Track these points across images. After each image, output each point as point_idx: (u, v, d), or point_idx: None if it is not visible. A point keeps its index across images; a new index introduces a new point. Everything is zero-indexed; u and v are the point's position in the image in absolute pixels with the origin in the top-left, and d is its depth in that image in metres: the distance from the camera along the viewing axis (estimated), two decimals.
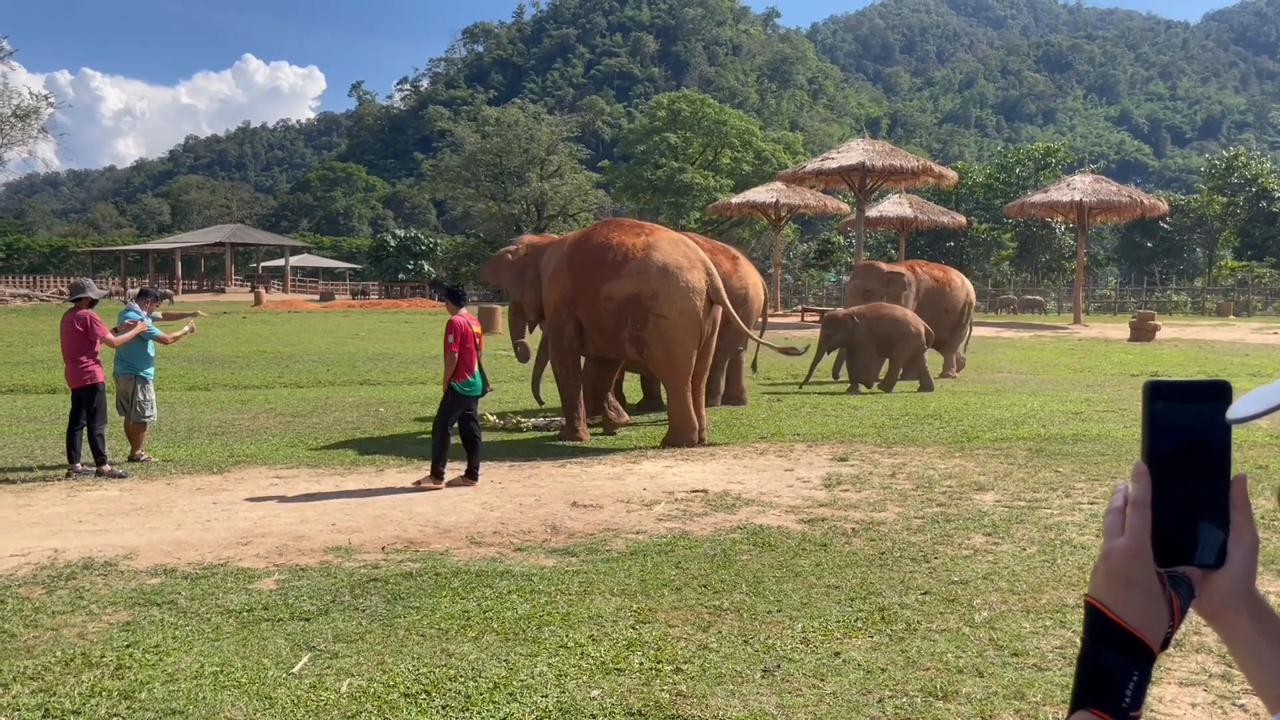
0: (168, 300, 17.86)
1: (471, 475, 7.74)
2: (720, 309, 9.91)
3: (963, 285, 16.75)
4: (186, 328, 9.29)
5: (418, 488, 7.61)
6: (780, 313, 39.10)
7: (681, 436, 9.62)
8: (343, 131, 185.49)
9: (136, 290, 9.45)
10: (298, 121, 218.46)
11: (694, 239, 13.23)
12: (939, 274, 16.63)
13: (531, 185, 62.29)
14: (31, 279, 56.51)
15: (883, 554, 5.71)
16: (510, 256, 11.26)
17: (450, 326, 7.67)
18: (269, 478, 8.12)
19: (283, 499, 7.29)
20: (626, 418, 10.99)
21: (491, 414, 11.28)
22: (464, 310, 8.02)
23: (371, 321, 33.53)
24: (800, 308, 38.67)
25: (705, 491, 7.51)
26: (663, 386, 10.46)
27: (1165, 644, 0.81)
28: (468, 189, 64.89)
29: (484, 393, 8.10)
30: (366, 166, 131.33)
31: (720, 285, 9.78)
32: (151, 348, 9.00)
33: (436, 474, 7.65)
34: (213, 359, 18.90)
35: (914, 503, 7.07)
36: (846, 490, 7.52)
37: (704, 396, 10.15)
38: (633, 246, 9.75)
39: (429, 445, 10.11)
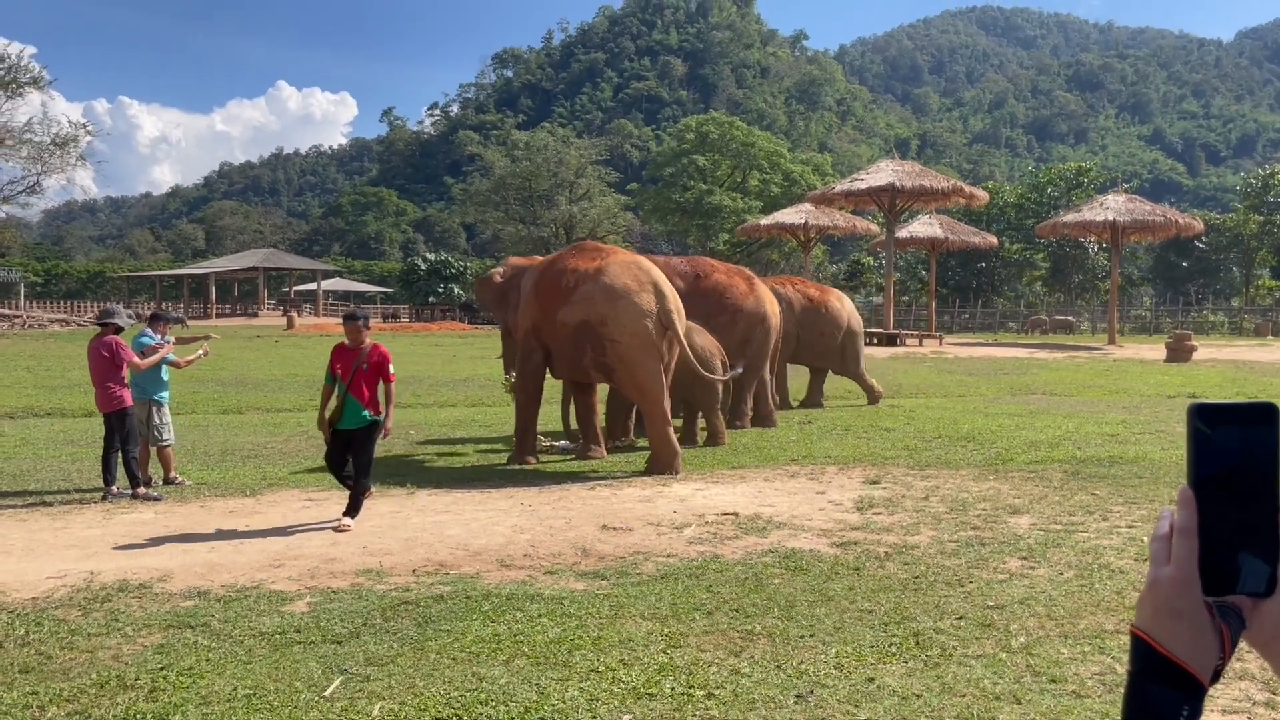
0: (180, 324, 18.08)
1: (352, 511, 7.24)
2: (673, 336, 9.66)
3: (843, 306, 15.78)
4: (200, 351, 9.36)
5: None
6: None
7: (661, 464, 9.43)
8: (374, 157, 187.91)
9: (149, 314, 9.58)
10: (330, 147, 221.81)
11: (701, 262, 13.34)
12: (815, 293, 15.62)
13: (560, 208, 62.65)
14: (70, 304, 57.47)
15: (917, 578, 5.65)
16: (497, 278, 11.38)
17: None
18: (301, 500, 8.19)
19: (314, 523, 7.33)
20: (602, 452, 10.72)
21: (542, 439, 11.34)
22: None
23: (402, 344, 33.75)
24: None
25: (736, 514, 7.48)
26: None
27: (1215, 677, 0.78)
28: (497, 212, 65.37)
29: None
30: (398, 191, 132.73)
31: (672, 308, 9.60)
32: (166, 372, 9.08)
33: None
34: (246, 382, 19.11)
35: (948, 526, 7.00)
36: (879, 513, 7.47)
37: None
38: (584, 271, 9.75)
39: (460, 469, 10.22)
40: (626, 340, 9.47)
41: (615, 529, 7.06)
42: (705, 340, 11.27)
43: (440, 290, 62.25)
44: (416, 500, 8.22)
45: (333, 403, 7.31)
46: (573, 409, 11.35)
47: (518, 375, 10.50)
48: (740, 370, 11.62)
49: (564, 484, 9.02)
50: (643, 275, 9.70)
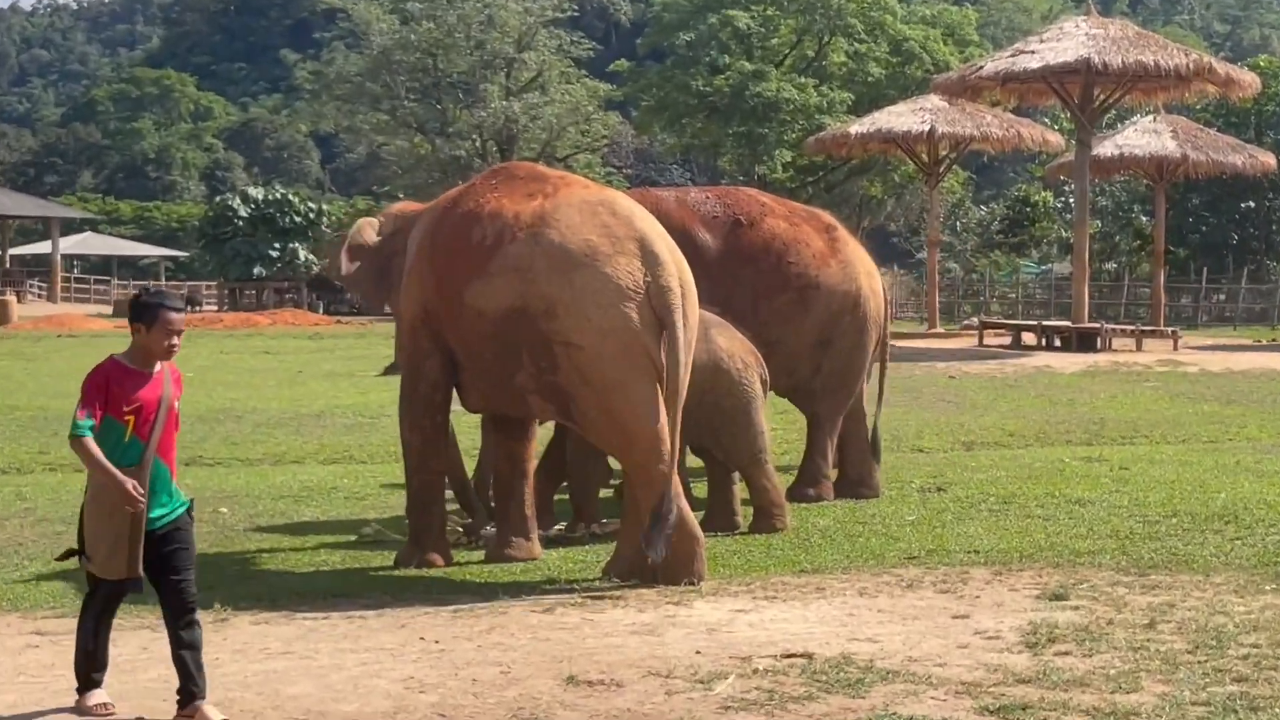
0: None
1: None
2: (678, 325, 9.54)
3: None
4: None
5: None
6: (938, 329, 39.09)
7: (668, 563, 9.36)
8: (155, 15, 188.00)
9: None
10: (77, 1, 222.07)
11: (742, 200, 13.26)
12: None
13: (491, 105, 62.84)
14: None
15: None
16: (370, 237, 11.36)
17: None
18: (23, 636, 8.17)
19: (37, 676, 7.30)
20: (530, 549, 10.55)
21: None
22: None
23: (206, 351, 33.82)
24: (978, 321, 38.65)
25: (809, 656, 7.45)
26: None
27: None
28: (377, 113, 65.78)
29: None
30: (196, 75, 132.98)
31: (673, 284, 9.52)
32: None
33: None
34: None
35: (1192, 678, 6.98)
36: (1067, 653, 7.45)
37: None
38: (513, 218, 9.71)
39: (312, 575, 10.23)
40: (592, 344, 9.43)
41: (591, 683, 7.03)
42: (733, 342, 11.29)
43: (275, 254, 62.42)
44: (233, 631, 8.20)
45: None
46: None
47: (403, 406, 10.57)
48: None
49: (496, 599, 9.01)
50: (619, 225, 9.67)
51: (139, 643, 7.88)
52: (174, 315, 6.57)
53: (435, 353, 10.26)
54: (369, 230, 11.47)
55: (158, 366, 6.64)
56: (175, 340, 6.58)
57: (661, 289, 9.47)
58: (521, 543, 10.50)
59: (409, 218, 11.25)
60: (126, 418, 6.47)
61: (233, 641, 7.97)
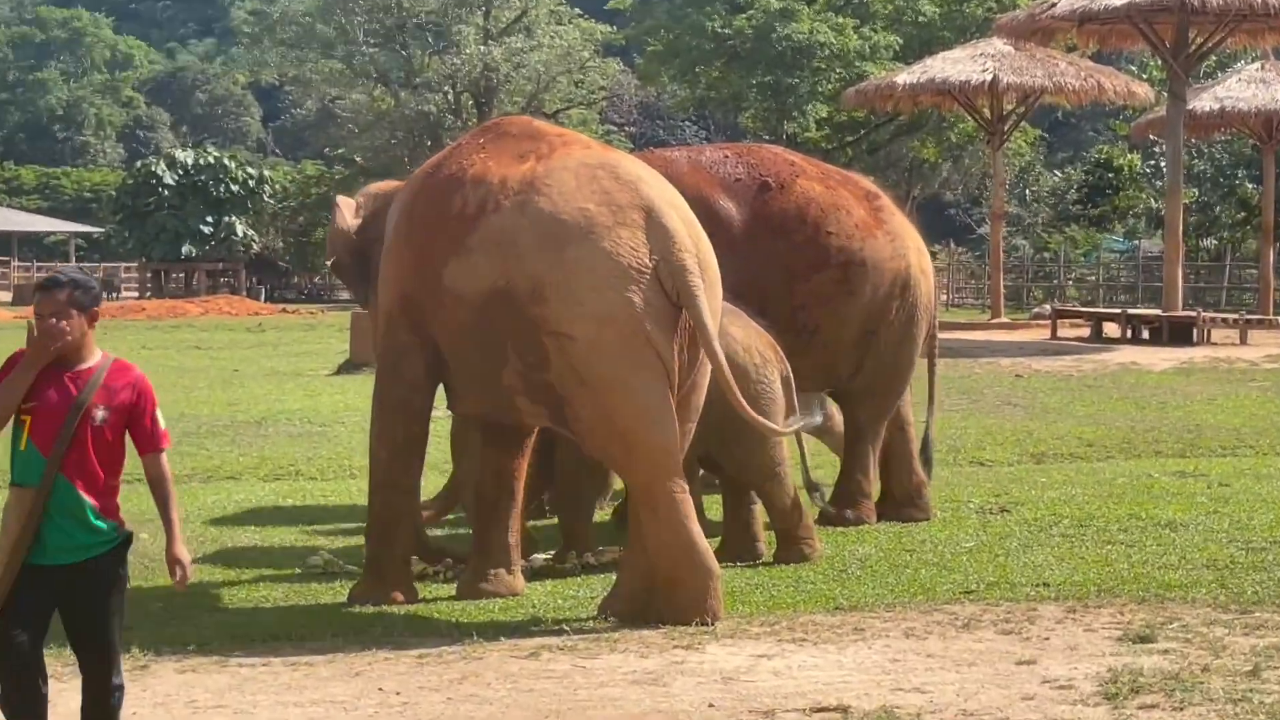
0: None
1: None
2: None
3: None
4: None
5: None
6: (1003, 319, 39.04)
7: (678, 599, 9.45)
8: None
9: None
10: None
11: (769, 159, 13.28)
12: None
13: (466, 51, 62.87)
14: None
15: None
16: (347, 219, 11.45)
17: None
18: None
19: None
20: (512, 583, 10.67)
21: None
22: None
23: (125, 346, 33.82)
24: (1050, 309, 38.60)
25: (844, 710, 7.49)
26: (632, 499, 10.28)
27: None
28: (330, 62, 65.79)
29: None
30: (112, 15, 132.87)
31: (688, 261, 9.52)
32: None
33: None
34: None
35: None
36: (1154, 707, 7.47)
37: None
38: (500, 183, 9.76)
39: (251, 613, 10.20)
40: (586, 334, 9.45)
41: None
42: (748, 333, 11.33)
43: (207, 229, 62.49)
44: (154, 680, 8.21)
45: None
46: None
47: (376, 410, 10.60)
48: (818, 417, 11.59)
49: (470, 641, 9.02)
50: (622, 192, 9.70)
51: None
52: (43, 296, 6.41)
53: (415, 349, 10.26)
54: (345, 212, 11.50)
55: (90, 361, 6.56)
56: (48, 324, 6.36)
57: (675, 268, 9.45)
58: (501, 575, 10.50)
59: (387, 197, 11.33)
60: (23, 417, 6.39)
61: (154, 693, 7.98)
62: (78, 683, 8.08)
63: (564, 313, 9.45)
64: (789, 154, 13.81)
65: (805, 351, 11.96)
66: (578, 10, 68.06)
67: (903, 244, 12.98)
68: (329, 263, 11.58)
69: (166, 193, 62.55)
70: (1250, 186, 52.44)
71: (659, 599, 9.55)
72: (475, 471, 11.19)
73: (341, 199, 12.01)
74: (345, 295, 46.49)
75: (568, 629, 9.42)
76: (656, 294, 9.44)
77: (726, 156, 13.11)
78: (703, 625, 9.33)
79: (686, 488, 9.66)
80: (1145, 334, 32.46)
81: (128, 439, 6.71)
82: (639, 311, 9.40)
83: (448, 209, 9.92)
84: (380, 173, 58.22)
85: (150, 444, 6.62)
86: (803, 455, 11.81)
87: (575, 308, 9.43)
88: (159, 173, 63.54)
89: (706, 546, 9.68)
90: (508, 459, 10.66)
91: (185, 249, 61.60)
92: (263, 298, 56.10)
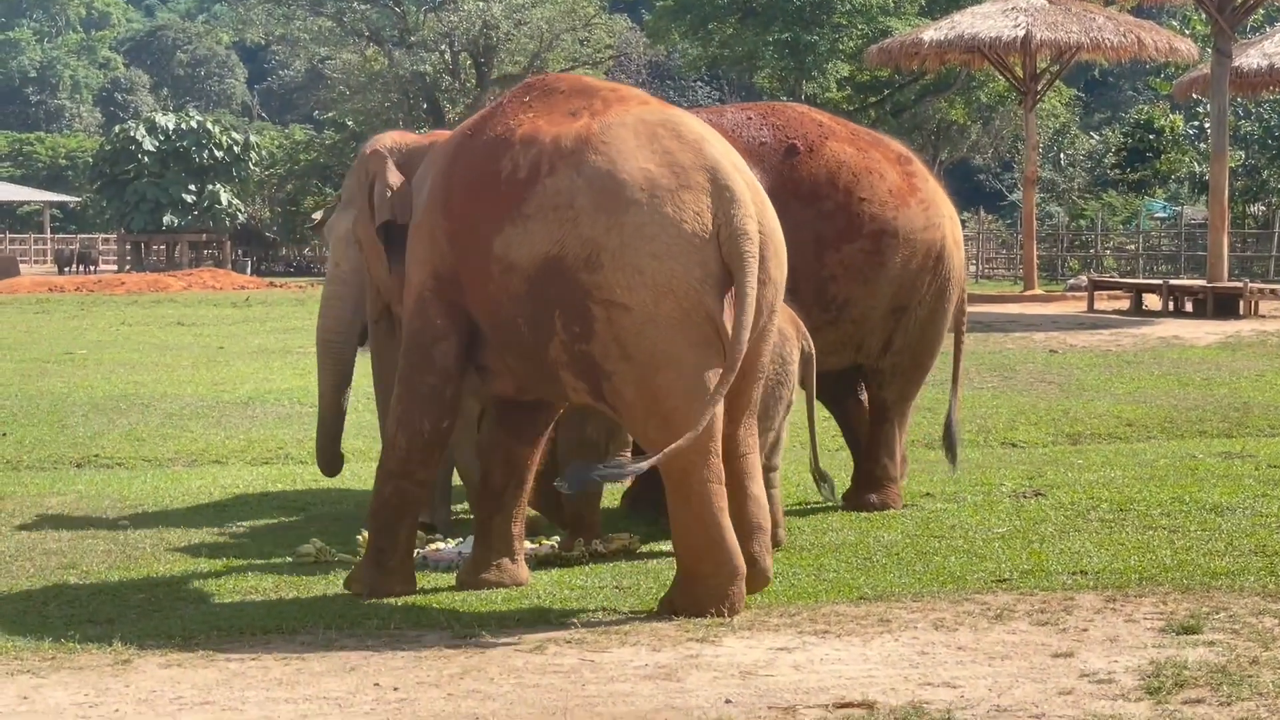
0: None
1: None
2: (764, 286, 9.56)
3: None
4: None
5: None
6: (1036, 290, 39.01)
7: (698, 592, 9.46)
8: None
9: None
10: None
11: (794, 119, 13.16)
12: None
13: (465, 8, 62.81)
14: None
15: None
16: (397, 174, 11.21)
17: None
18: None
19: None
20: (516, 573, 10.68)
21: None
22: None
23: (104, 322, 33.93)
24: (1087, 279, 38.56)
25: (869, 706, 7.47)
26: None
27: None
28: (319, 20, 65.73)
29: None
30: None
31: (749, 228, 9.45)
32: None
33: None
34: None
35: None
36: (1200, 702, 7.45)
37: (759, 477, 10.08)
38: (553, 143, 9.66)
39: (237, 606, 10.27)
40: (643, 304, 9.35)
41: None
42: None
43: (190, 198, 62.50)
44: (136, 676, 8.22)
45: None
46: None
47: (399, 398, 10.47)
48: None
49: (472, 636, 9.05)
50: (685, 152, 9.61)
51: (17, 690, 7.91)
52: None
53: (450, 335, 10.16)
54: (392, 170, 11.13)
55: None
56: None
57: (736, 234, 9.36)
58: (505, 565, 10.51)
59: (414, 151, 11.14)
60: None
61: (137, 689, 7.97)
62: (60, 677, 8.16)
63: (620, 281, 9.32)
64: (816, 114, 13.70)
65: (832, 326, 11.96)
66: None
67: (937, 212, 12.90)
68: (380, 223, 11.06)
69: (146, 159, 62.55)
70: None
71: (676, 592, 9.57)
72: (478, 457, 11.17)
73: (377, 149, 11.42)
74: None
75: (575, 621, 9.42)
76: (719, 265, 9.39)
77: (750, 118, 13.00)
78: (721, 617, 9.30)
79: (723, 478, 9.60)
80: (1188, 306, 32.46)
81: None
82: (699, 284, 9.34)
83: (496, 174, 9.80)
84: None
85: None
86: (813, 442, 11.83)
87: (633, 276, 9.31)
88: (138, 138, 63.54)
89: (735, 544, 9.56)
90: (521, 446, 10.61)
91: (167, 219, 61.65)
92: (249, 271, 56.15)
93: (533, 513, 11.64)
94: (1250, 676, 7.80)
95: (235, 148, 63.55)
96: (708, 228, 9.35)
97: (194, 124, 64.34)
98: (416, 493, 10.49)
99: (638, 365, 9.41)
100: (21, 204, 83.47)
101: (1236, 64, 34.20)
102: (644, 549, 11.45)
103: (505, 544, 10.55)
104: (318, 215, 26.42)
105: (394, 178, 11.09)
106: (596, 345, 9.45)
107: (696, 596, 9.42)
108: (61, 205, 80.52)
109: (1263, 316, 30.86)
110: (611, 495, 12.80)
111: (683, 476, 9.49)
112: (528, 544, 11.28)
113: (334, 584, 10.55)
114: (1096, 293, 35.26)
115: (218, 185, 62.28)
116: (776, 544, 11.53)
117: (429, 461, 10.44)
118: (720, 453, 9.55)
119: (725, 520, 9.50)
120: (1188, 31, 45.20)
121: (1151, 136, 59.37)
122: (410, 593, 10.29)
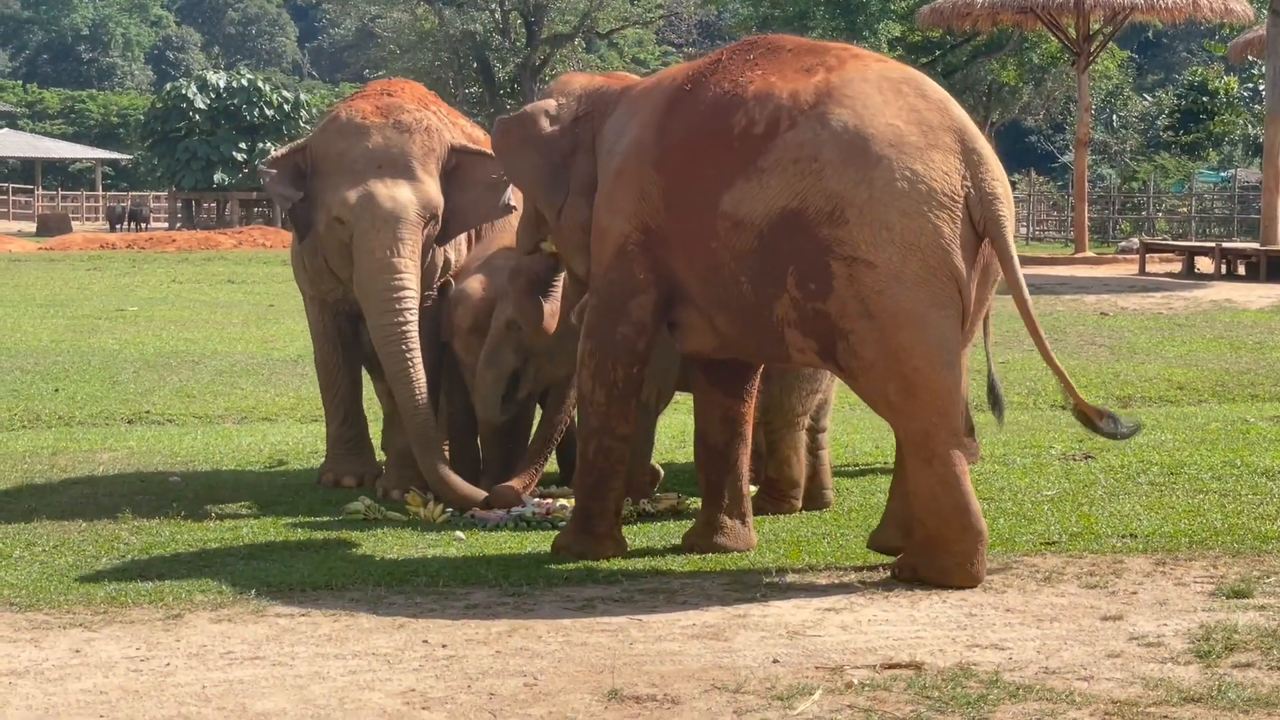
0: None
1: None
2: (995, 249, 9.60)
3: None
4: None
5: None
6: (1088, 253, 38.83)
7: (946, 559, 9.29)
8: None
9: None
10: None
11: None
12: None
13: None
14: None
15: None
16: (540, 122, 10.81)
17: None
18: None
19: None
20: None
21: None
22: None
23: (155, 280, 34.04)
24: (1139, 242, 38.38)
25: (917, 667, 7.48)
26: (902, 448, 10.06)
27: None
28: None
29: None
30: None
31: (999, 190, 9.50)
32: None
33: None
34: None
35: None
36: (1250, 666, 7.44)
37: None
38: (791, 97, 9.53)
39: (288, 563, 10.33)
40: (889, 262, 9.21)
41: (639, 699, 7.08)
42: None
43: (240, 156, 62.53)
44: (188, 630, 8.27)
45: None
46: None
47: (591, 351, 10.25)
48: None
49: (520, 593, 9.09)
50: (931, 111, 9.55)
51: (69, 644, 7.96)
52: None
53: (649, 288, 10.04)
54: (539, 115, 10.82)
55: None
56: None
57: (986, 197, 9.35)
58: (736, 528, 10.44)
59: (602, 95, 10.84)
60: None
61: (188, 644, 8.02)
62: (111, 631, 8.20)
63: (866, 236, 9.19)
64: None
65: None
66: None
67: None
68: (511, 170, 10.83)
69: (197, 118, 62.58)
70: None
71: (917, 557, 9.43)
72: (694, 419, 10.98)
73: (535, 106, 11.07)
74: None
75: (623, 580, 9.46)
76: (965, 225, 9.33)
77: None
78: (962, 588, 9.18)
79: (964, 440, 9.57)
80: (1241, 269, 32.32)
81: None
82: (947, 243, 9.25)
83: (727, 129, 9.64)
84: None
85: None
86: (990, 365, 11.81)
87: (881, 232, 9.17)
88: (189, 96, 63.56)
89: (978, 506, 9.47)
90: (735, 402, 10.52)
91: (217, 177, 61.69)
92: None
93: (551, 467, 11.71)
94: None
95: (286, 106, 63.55)
96: (956, 188, 9.28)
97: (245, 82, 64.41)
98: (620, 450, 10.30)
99: (879, 324, 9.24)
100: (73, 161, 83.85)
101: None
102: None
103: (736, 504, 10.45)
104: None
105: (546, 125, 10.84)
106: (834, 302, 9.29)
107: (941, 563, 9.30)
108: (113, 163, 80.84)
109: None
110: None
111: (924, 439, 9.37)
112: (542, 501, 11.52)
113: (382, 541, 10.61)
114: (1148, 255, 35.13)
115: (268, 143, 61.96)
116: (824, 505, 11.61)
117: (626, 414, 10.27)
118: (961, 409, 9.54)
119: (967, 482, 9.40)
120: None
121: (1205, 98, 59.10)
122: (621, 555, 10.19)
